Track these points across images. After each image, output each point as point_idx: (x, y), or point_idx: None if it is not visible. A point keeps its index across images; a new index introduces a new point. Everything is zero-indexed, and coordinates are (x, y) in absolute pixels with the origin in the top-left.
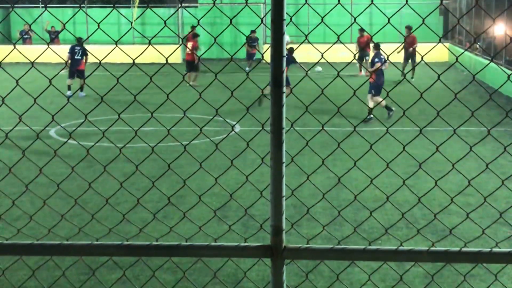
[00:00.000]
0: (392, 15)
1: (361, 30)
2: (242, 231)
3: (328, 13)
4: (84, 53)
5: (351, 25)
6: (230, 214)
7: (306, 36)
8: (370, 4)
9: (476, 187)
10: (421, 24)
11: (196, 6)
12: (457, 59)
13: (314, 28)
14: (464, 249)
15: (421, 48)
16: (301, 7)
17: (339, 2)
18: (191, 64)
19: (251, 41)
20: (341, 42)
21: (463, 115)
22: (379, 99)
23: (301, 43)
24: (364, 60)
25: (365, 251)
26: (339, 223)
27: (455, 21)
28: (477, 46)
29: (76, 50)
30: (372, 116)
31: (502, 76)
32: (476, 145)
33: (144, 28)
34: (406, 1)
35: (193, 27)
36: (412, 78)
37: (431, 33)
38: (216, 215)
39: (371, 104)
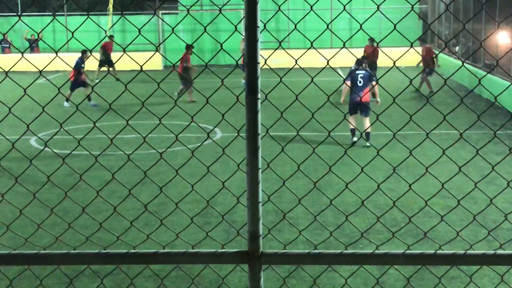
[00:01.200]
0: (364, 21)
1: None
2: (224, 237)
3: (301, 19)
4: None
5: (323, 30)
6: (212, 220)
7: (280, 42)
8: (343, 10)
9: (457, 189)
10: (393, 30)
11: (177, 13)
12: (432, 60)
13: (287, 35)
14: (439, 251)
15: (400, 52)
16: (275, 14)
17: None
18: (183, 77)
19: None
20: (314, 48)
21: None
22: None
23: (276, 49)
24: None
25: (342, 255)
26: (321, 228)
27: (434, 25)
28: (456, 49)
29: (79, 62)
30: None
31: (483, 81)
32: (458, 148)
33: (124, 35)
34: (378, 7)
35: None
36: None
37: (410, 37)
38: (192, 222)
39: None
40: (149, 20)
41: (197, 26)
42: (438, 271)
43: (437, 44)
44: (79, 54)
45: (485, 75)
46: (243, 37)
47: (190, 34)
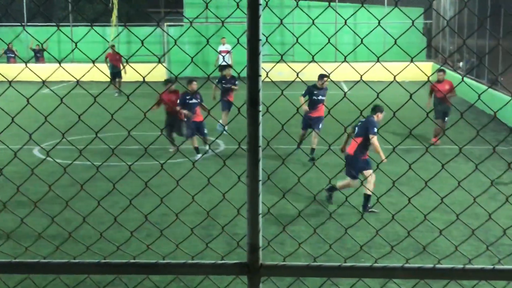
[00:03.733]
0: (365, 36)
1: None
2: (226, 249)
3: (303, 33)
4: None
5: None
6: (214, 232)
7: (282, 55)
8: (344, 25)
9: (459, 205)
10: (394, 44)
11: (182, 25)
12: (427, 77)
13: (289, 49)
14: (438, 265)
15: (403, 67)
16: (277, 28)
17: (313, 23)
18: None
19: (225, 82)
20: (315, 61)
21: (449, 133)
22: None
23: (277, 62)
24: None
25: (341, 268)
26: (323, 241)
27: (438, 40)
28: (459, 65)
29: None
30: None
31: (485, 96)
32: (461, 163)
33: (130, 46)
34: (379, 22)
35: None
36: None
37: (413, 52)
38: (193, 233)
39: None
40: (152, 32)
41: (202, 38)
42: (439, 286)
43: (441, 60)
44: (84, 65)
45: (485, 90)
46: (218, 51)
47: (195, 46)
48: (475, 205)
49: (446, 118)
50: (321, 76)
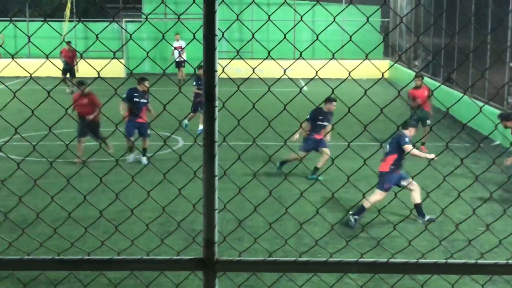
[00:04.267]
0: (320, 32)
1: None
2: (183, 246)
3: (258, 29)
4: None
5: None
6: (172, 229)
7: (238, 51)
8: (299, 21)
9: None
10: (348, 41)
11: (141, 21)
12: (381, 74)
13: (244, 45)
14: (392, 260)
15: (361, 65)
16: (232, 23)
17: (269, 19)
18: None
19: (199, 82)
20: (272, 58)
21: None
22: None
23: (233, 58)
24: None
25: (296, 262)
26: (281, 237)
27: (395, 38)
28: (415, 63)
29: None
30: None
31: (440, 93)
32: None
33: (87, 42)
34: (334, 19)
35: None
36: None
37: (373, 51)
38: (148, 229)
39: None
40: (106, 27)
41: (161, 34)
42: (394, 281)
43: (397, 57)
44: (41, 60)
45: (438, 87)
46: (173, 47)
47: (154, 42)
48: (431, 201)
49: (428, 121)
50: (330, 100)
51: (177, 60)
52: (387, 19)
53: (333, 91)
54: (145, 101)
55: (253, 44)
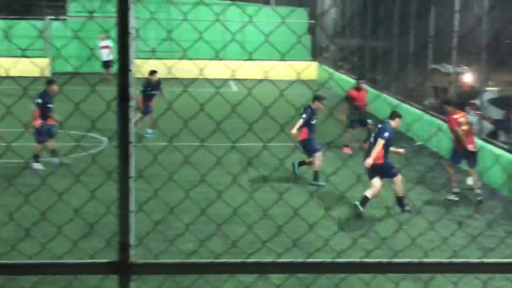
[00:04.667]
0: (236, 31)
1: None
2: (108, 248)
3: (172, 30)
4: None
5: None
6: (96, 230)
7: (152, 51)
8: (216, 21)
9: (340, 200)
10: (264, 42)
11: (65, 19)
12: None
13: (160, 44)
14: (308, 260)
15: (290, 66)
16: (147, 21)
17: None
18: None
19: (150, 88)
20: (187, 58)
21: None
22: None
23: (148, 58)
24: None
25: (213, 264)
26: (207, 238)
27: (322, 39)
28: (341, 64)
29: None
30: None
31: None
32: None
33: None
34: (250, 19)
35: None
36: None
37: (298, 51)
38: (60, 232)
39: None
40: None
41: (86, 33)
42: (313, 279)
43: (324, 59)
44: None
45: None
46: (99, 46)
47: (78, 41)
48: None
49: (369, 121)
50: (319, 98)
51: (104, 59)
52: (315, 20)
53: (249, 91)
54: (51, 105)
55: (182, 44)
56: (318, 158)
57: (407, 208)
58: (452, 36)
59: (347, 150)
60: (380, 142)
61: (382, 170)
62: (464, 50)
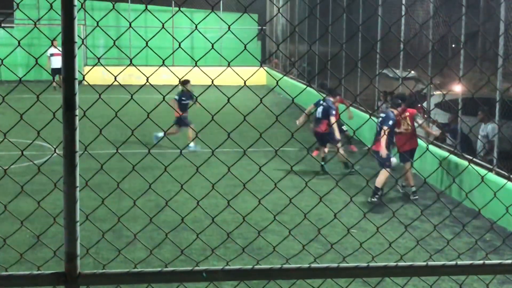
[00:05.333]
0: (183, 40)
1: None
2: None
3: (120, 36)
4: None
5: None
6: (47, 241)
7: (99, 59)
8: (162, 28)
9: (290, 205)
10: (211, 49)
11: (12, 27)
12: (277, 83)
13: (105, 52)
14: (257, 266)
15: (240, 71)
16: (93, 30)
17: (163, 27)
18: None
19: (184, 98)
20: (133, 65)
21: (276, 135)
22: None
23: (94, 65)
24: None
25: (162, 272)
26: (159, 246)
27: (272, 46)
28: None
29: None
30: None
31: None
32: (294, 165)
33: None
34: (196, 26)
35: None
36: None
37: (249, 57)
38: (6, 244)
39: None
40: None
41: (34, 40)
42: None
43: (274, 65)
44: None
45: (304, 89)
46: (49, 54)
47: (27, 48)
48: (305, 205)
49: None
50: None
51: (54, 67)
52: (265, 27)
53: (196, 98)
54: None
55: (130, 50)
56: (340, 148)
57: (375, 199)
58: (399, 41)
59: (315, 153)
60: (385, 130)
61: (382, 159)
62: (410, 55)
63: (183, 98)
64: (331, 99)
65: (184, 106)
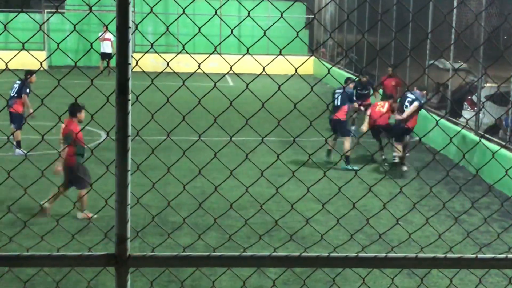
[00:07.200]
0: (235, 27)
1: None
2: (105, 241)
3: (172, 22)
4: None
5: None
6: (91, 224)
7: (152, 44)
8: (214, 15)
9: (336, 196)
10: (262, 36)
11: (63, 12)
12: (329, 71)
13: (158, 38)
14: (304, 254)
15: (286, 61)
16: (146, 16)
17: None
18: None
19: (361, 88)
20: (187, 52)
21: (320, 125)
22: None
23: (146, 52)
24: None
25: (210, 257)
26: (205, 232)
27: (319, 34)
28: (339, 59)
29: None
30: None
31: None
32: (347, 153)
33: (7, 33)
34: (248, 13)
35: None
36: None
37: (296, 46)
38: (58, 224)
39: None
40: (11, 19)
41: (85, 26)
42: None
43: (321, 54)
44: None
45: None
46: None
47: (76, 34)
48: (352, 196)
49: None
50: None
51: (103, 51)
52: (312, 15)
53: (247, 86)
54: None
55: (179, 38)
56: (348, 141)
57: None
58: (451, 32)
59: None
60: (416, 105)
61: (406, 132)
62: (462, 46)
63: (359, 88)
64: (418, 91)
65: (362, 96)
